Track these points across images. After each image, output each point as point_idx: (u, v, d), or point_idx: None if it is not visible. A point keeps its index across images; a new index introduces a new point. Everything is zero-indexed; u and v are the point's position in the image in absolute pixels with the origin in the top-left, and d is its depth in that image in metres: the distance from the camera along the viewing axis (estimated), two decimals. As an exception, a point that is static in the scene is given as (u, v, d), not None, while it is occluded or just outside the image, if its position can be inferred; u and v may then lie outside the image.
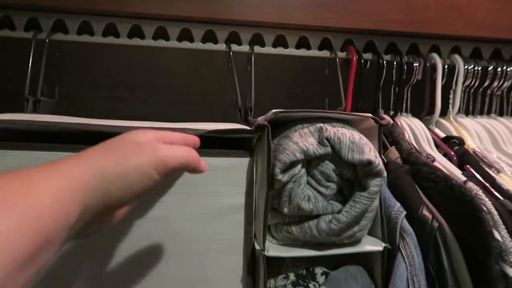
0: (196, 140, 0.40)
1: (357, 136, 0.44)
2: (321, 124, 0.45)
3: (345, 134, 0.44)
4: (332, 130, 0.44)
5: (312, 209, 0.44)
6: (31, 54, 0.58)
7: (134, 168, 0.30)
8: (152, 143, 0.33)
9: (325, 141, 0.43)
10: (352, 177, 0.46)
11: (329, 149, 0.44)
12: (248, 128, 0.46)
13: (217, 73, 0.76)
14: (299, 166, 0.44)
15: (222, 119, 0.52)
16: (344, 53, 0.67)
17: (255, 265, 0.47)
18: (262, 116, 0.48)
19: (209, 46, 0.64)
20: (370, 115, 0.49)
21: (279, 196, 0.45)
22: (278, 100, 0.79)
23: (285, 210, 0.45)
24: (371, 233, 0.50)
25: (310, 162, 0.45)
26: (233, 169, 0.47)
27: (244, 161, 0.47)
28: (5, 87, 0.66)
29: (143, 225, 0.45)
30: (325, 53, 0.66)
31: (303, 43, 0.66)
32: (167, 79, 0.80)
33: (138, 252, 0.45)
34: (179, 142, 0.37)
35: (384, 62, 0.66)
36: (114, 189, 0.29)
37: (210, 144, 0.43)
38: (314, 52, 0.66)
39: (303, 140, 0.44)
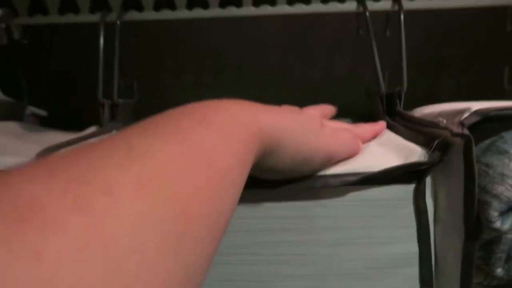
0: (333, 110, 0.39)
1: None
2: None
3: None
4: None
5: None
6: (101, 43, 0.44)
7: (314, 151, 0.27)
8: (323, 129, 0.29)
9: None
10: None
11: None
12: (420, 161, 0.27)
13: (323, 41, 0.58)
14: (529, 204, 0.26)
15: (329, 98, 0.40)
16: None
17: None
18: (431, 111, 0.30)
19: (334, 6, 0.47)
20: None
21: (489, 250, 0.27)
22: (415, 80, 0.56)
23: (499, 271, 0.27)
24: None
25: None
26: (395, 203, 0.30)
27: (409, 190, 0.30)
28: (73, 90, 0.55)
29: None
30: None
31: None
32: (260, 52, 0.62)
33: None
34: (328, 115, 0.37)
35: None
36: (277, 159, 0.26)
37: None
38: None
39: (536, 159, 0.25)
